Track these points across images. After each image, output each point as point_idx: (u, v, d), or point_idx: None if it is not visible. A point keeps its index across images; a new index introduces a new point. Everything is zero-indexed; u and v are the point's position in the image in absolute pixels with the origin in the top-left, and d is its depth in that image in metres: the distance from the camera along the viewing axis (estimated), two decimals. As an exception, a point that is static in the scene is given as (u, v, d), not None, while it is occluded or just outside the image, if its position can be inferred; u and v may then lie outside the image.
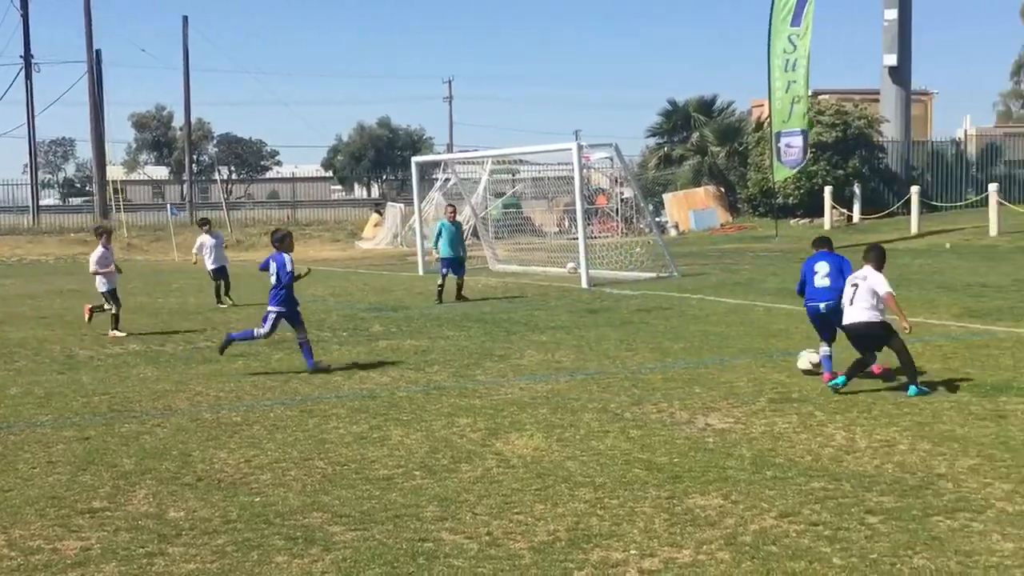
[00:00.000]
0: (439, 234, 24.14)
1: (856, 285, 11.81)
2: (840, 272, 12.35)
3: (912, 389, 11.48)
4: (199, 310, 22.59)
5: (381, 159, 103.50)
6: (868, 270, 11.89)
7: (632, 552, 6.87)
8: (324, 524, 7.60)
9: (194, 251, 24.74)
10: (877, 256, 12.09)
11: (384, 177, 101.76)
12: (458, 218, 26.12)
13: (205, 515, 7.88)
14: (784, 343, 15.37)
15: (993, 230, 32.98)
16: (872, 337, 11.79)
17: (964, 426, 10.05)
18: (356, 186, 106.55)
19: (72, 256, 46.19)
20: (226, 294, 23.53)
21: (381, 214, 54.29)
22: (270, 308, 14.29)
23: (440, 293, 23.20)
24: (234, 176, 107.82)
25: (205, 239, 24.04)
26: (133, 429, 10.87)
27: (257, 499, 8.28)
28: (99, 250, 19.18)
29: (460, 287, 23.71)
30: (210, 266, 23.75)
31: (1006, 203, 34.77)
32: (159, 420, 11.30)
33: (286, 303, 14.27)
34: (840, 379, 11.65)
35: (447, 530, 7.41)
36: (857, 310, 11.68)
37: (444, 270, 23.73)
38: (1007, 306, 18.00)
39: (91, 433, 10.72)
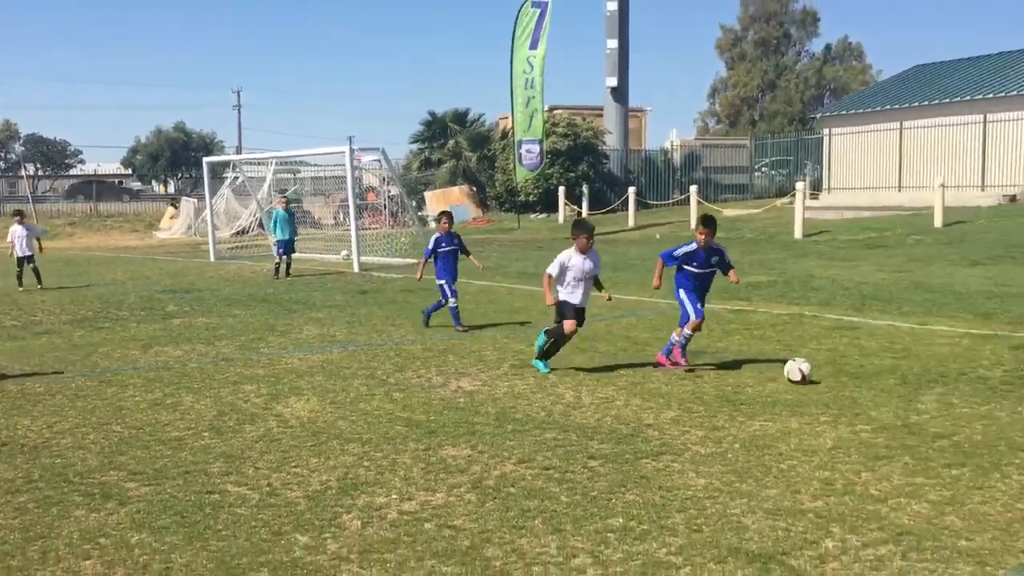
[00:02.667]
0: (275, 221, 25.18)
1: None
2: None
3: None
4: (7, 292, 21.42)
5: (177, 159, 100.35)
6: None
7: (393, 496, 6.86)
8: (120, 481, 7.31)
9: (9, 240, 23.00)
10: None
11: (180, 175, 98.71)
12: (290, 207, 26.65)
13: (8, 476, 7.47)
14: (524, 316, 15.66)
15: (692, 223, 34.28)
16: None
17: (668, 384, 10.43)
18: (154, 183, 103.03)
19: None
20: (37, 279, 22.02)
21: (177, 207, 52.71)
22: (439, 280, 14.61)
23: (276, 270, 24.43)
24: (40, 172, 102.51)
25: (17, 229, 22.50)
26: (-59, 400, 10.23)
27: (58, 461, 7.90)
28: None
29: (288, 267, 24.56)
30: (18, 254, 22.30)
31: (703, 201, 36.29)
32: (-34, 392, 10.68)
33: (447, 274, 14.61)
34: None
35: (232, 483, 7.24)
36: None
37: (280, 251, 24.63)
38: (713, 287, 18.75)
39: (-100, 405, 10.04)
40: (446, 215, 15.07)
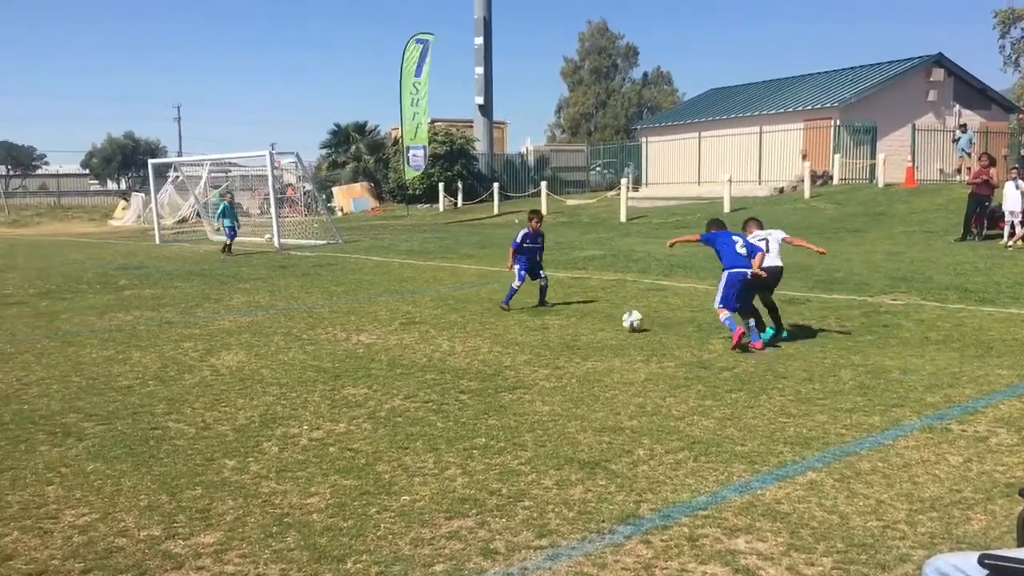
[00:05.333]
0: (222, 211, 25.33)
1: (766, 240, 10.01)
2: (747, 243, 9.84)
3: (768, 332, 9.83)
4: (-18, 271, 20.27)
5: (127, 161, 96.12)
6: (768, 231, 10.26)
7: (304, 427, 6.76)
8: (78, 422, 7.01)
9: None
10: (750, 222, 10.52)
11: (130, 174, 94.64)
12: (231, 200, 26.82)
13: (-17, 421, 7.11)
14: (411, 285, 15.55)
15: (544, 210, 34.44)
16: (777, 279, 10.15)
17: (523, 335, 10.50)
18: (108, 181, 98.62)
19: None
20: None
21: (128, 201, 50.51)
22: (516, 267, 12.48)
23: (224, 248, 24.47)
24: (10, 172, 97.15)
25: None
26: (-76, 360, 9.63)
27: (26, 407, 7.53)
28: None
29: (230, 247, 24.54)
30: None
31: (552, 194, 36.56)
32: (-54, 353, 10.07)
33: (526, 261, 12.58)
34: (768, 331, 9.82)
35: (173, 420, 7.02)
36: (773, 256, 9.94)
37: (230, 234, 24.85)
38: (558, 260, 18.95)
39: None
40: (536, 214, 12.84)
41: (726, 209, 28.93)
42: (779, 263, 10.01)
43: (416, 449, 6.15)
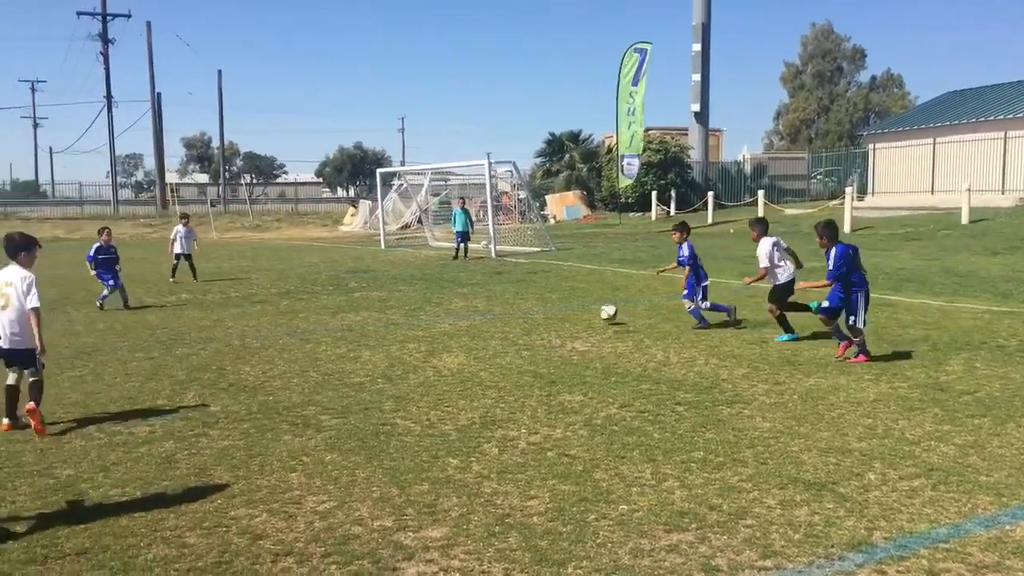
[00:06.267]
0: (455, 217, 25.95)
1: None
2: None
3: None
4: (231, 272, 22.18)
5: (356, 170, 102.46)
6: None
7: (523, 431, 6.92)
8: (316, 414, 7.54)
9: (171, 236, 20.19)
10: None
11: (358, 183, 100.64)
12: (467, 207, 27.18)
13: (235, 409, 7.77)
14: (624, 294, 15.54)
15: (761, 221, 33.49)
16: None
17: (740, 348, 10.24)
18: (339, 189, 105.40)
19: (141, 235, 44.96)
20: (192, 273, 19.61)
21: (356, 208, 53.66)
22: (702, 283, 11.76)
23: (456, 254, 25.01)
24: (254, 181, 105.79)
25: (180, 229, 19.92)
26: (184, 352, 10.66)
27: (270, 398, 8.18)
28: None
29: (466, 251, 25.25)
30: (176, 251, 19.69)
31: (769, 203, 35.39)
32: (203, 346, 11.10)
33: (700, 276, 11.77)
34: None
35: (400, 417, 7.40)
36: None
37: (458, 240, 25.22)
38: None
39: (155, 354, 10.51)
40: (681, 227, 12.01)
41: (964, 220, 26.91)
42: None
43: (633, 459, 6.14)
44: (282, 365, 9.75)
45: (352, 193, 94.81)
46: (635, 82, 35.25)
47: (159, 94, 62.87)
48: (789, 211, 35.95)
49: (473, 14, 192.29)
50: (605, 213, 46.10)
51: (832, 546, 4.62)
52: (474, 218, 33.39)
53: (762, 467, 5.90)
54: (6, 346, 7.00)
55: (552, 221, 44.67)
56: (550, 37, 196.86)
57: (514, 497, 5.40)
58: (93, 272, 15.20)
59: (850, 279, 9.22)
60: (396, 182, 42.89)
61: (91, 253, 15.23)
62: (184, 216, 21.42)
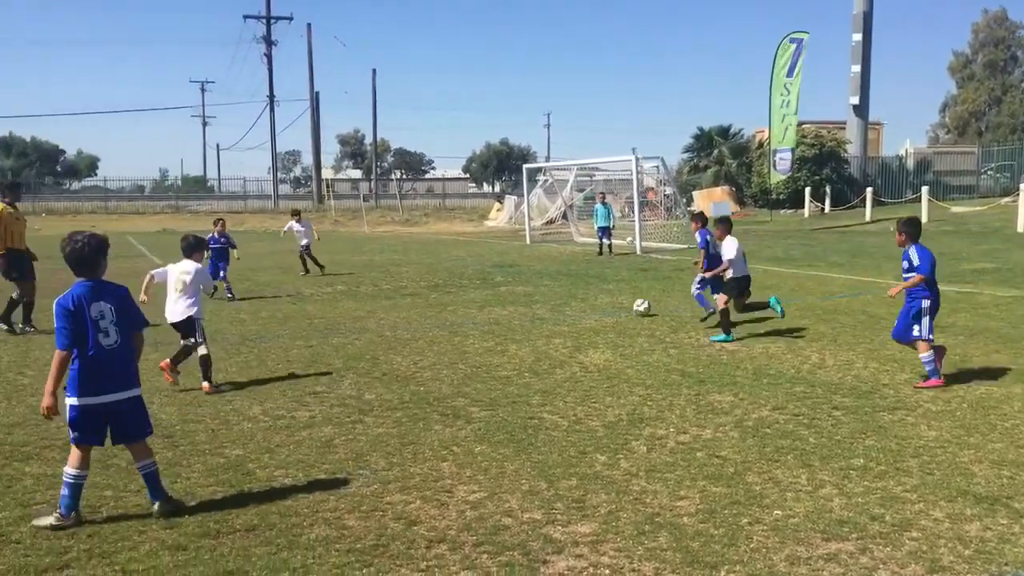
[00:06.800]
0: (596, 213, 26.02)
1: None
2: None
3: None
4: (383, 265, 22.85)
5: (501, 166, 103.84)
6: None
7: (671, 430, 6.84)
8: (466, 406, 7.68)
9: (283, 230, 20.87)
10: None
11: (503, 178, 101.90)
12: (607, 201, 27.35)
13: (388, 397, 8.02)
14: (775, 294, 15.07)
15: (924, 218, 31.73)
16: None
17: (902, 352, 9.73)
18: (485, 184, 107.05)
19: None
20: (316, 264, 19.83)
21: (501, 203, 54.31)
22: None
23: (600, 250, 25.14)
24: (404, 176, 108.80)
25: (294, 224, 20.06)
26: (340, 341, 11.08)
27: (421, 388, 8.40)
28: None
29: (610, 247, 25.38)
30: (301, 243, 19.76)
31: (933, 200, 33.57)
32: (357, 335, 11.50)
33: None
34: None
35: (547, 412, 7.45)
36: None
37: (600, 235, 25.36)
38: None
39: (313, 343, 10.96)
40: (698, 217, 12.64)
41: None
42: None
43: (787, 463, 5.96)
44: (432, 357, 9.98)
45: (498, 188, 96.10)
46: (790, 73, 34.17)
47: (317, 93, 65.62)
48: (956, 208, 34.02)
49: (622, 7, 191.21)
50: (754, 210, 44.93)
51: (1006, 564, 4.36)
52: (618, 213, 33.27)
53: (928, 477, 5.62)
54: (179, 318, 8.47)
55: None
56: (699, 29, 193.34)
57: (663, 496, 5.35)
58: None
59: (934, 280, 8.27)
60: (541, 177, 43.13)
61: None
62: (296, 212, 21.43)
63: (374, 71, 79.28)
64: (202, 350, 8.42)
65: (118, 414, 5.05)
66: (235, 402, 7.87)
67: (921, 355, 8.20)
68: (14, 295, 12.11)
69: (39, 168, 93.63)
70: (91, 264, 5.15)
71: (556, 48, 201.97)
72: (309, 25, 64.61)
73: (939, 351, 8.27)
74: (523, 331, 11.69)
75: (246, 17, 67.30)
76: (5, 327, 11.83)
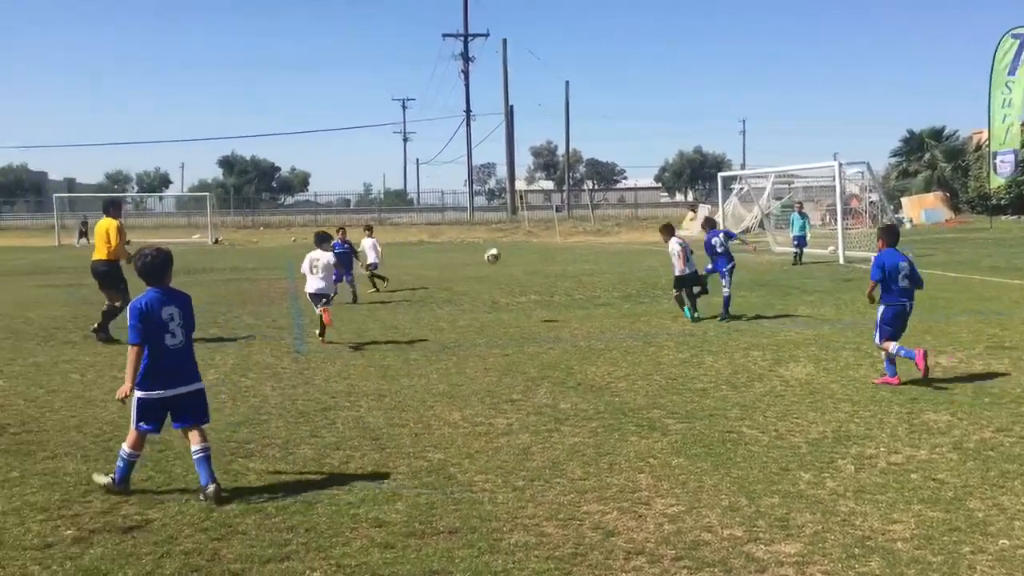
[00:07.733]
0: (792, 222, 25.79)
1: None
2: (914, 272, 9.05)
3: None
4: (576, 275, 22.92)
5: (695, 174, 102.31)
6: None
7: (881, 449, 6.49)
8: (661, 418, 7.61)
9: (360, 249, 19.24)
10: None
11: (696, 187, 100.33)
12: (804, 210, 26.95)
13: (583, 407, 8.06)
14: (996, 305, 14.04)
15: None
16: None
17: None
18: (677, 193, 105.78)
19: (493, 239, 48.12)
20: (381, 278, 19.12)
21: (695, 211, 53.52)
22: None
23: (795, 259, 24.65)
24: (596, 186, 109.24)
25: (367, 242, 19.33)
26: (535, 350, 11.24)
27: (616, 399, 8.39)
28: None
29: (800, 255, 24.92)
30: (368, 261, 18.98)
31: None
32: (551, 345, 11.63)
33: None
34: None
35: (746, 426, 7.26)
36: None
37: (795, 244, 24.97)
38: None
39: (509, 351, 11.18)
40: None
41: None
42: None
43: (1015, 489, 5.52)
44: (626, 367, 9.95)
45: (691, 197, 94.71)
46: (1012, 71, 31.70)
47: (512, 106, 67.12)
48: None
49: (821, 4, 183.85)
50: (971, 216, 42.03)
51: None
52: (818, 222, 32.01)
53: None
54: (320, 288, 11.95)
55: (908, 226, 41.49)
56: (909, 25, 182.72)
57: (874, 519, 5.08)
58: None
59: (890, 287, 8.81)
60: (736, 186, 42.18)
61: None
62: (368, 227, 20.81)
63: (567, 83, 79.83)
64: (326, 317, 11.75)
65: (181, 403, 5.72)
66: (436, 408, 8.15)
67: (883, 354, 8.80)
68: (117, 303, 12.19)
69: (257, 184, 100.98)
70: (160, 274, 5.84)
71: (751, 53, 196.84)
72: (505, 41, 66.18)
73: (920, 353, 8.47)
74: (719, 343, 11.45)
75: (445, 35, 69.99)
76: (103, 336, 12.18)
